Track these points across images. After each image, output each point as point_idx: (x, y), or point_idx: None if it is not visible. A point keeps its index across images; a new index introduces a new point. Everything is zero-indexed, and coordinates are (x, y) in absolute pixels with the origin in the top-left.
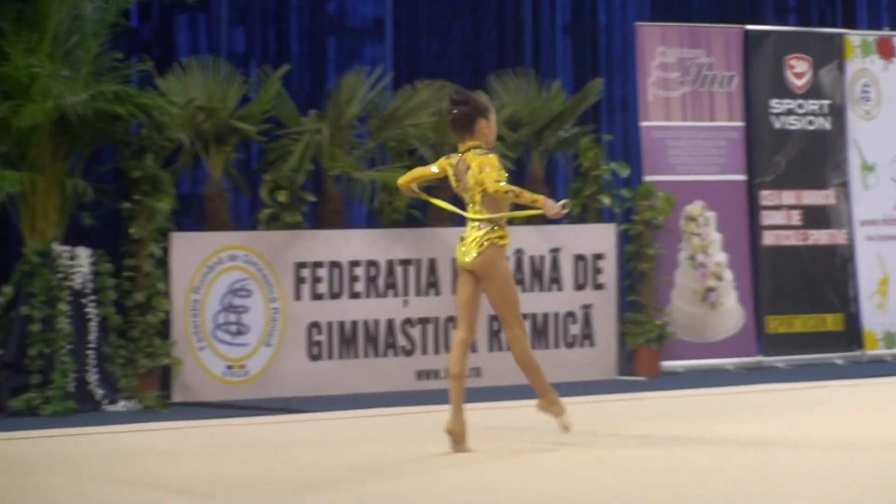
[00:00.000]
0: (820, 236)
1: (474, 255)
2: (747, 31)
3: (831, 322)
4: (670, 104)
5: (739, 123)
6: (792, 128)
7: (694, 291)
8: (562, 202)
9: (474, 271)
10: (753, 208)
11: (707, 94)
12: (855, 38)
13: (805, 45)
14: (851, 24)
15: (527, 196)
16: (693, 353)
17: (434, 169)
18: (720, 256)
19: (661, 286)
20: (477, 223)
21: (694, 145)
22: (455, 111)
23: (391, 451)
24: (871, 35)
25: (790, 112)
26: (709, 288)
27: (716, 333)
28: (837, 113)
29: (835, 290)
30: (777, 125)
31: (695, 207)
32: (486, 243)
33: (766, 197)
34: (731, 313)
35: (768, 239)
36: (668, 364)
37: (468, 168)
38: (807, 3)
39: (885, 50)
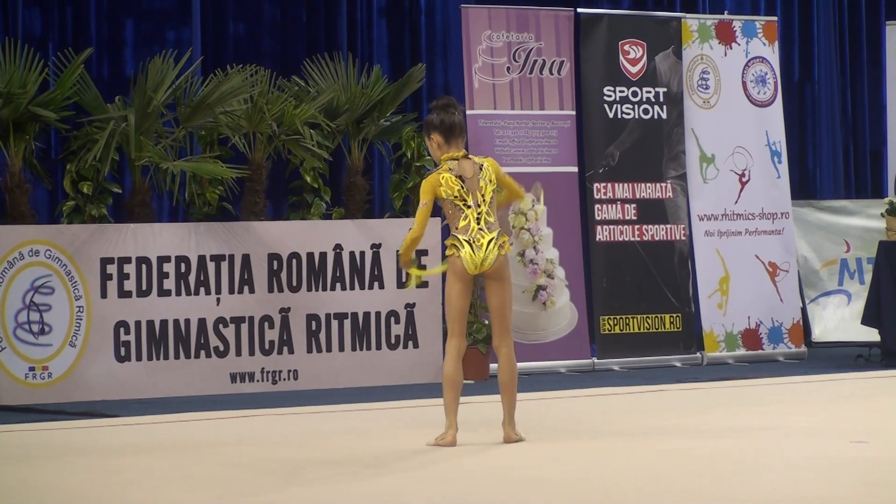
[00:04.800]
0: (656, 231)
1: (496, 255)
2: (579, 14)
3: (669, 322)
4: (497, 91)
5: (570, 112)
6: (626, 117)
7: (524, 290)
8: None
9: (489, 273)
10: (586, 202)
11: (536, 81)
12: (693, 22)
13: (640, 29)
14: (691, 7)
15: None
16: (523, 355)
17: (426, 206)
18: (551, 253)
19: None
20: (486, 226)
21: (522, 135)
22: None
23: (203, 458)
24: (710, 19)
25: (624, 100)
26: (539, 286)
27: (547, 334)
28: (674, 101)
29: (673, 289)
30: (610, 114)
31: (524, 201)
32: (504, 244)
33: (600, 190)
34: (562, 313)
35: (602, 234)
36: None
37: (480, 168)
38: None
39: (724, 35)
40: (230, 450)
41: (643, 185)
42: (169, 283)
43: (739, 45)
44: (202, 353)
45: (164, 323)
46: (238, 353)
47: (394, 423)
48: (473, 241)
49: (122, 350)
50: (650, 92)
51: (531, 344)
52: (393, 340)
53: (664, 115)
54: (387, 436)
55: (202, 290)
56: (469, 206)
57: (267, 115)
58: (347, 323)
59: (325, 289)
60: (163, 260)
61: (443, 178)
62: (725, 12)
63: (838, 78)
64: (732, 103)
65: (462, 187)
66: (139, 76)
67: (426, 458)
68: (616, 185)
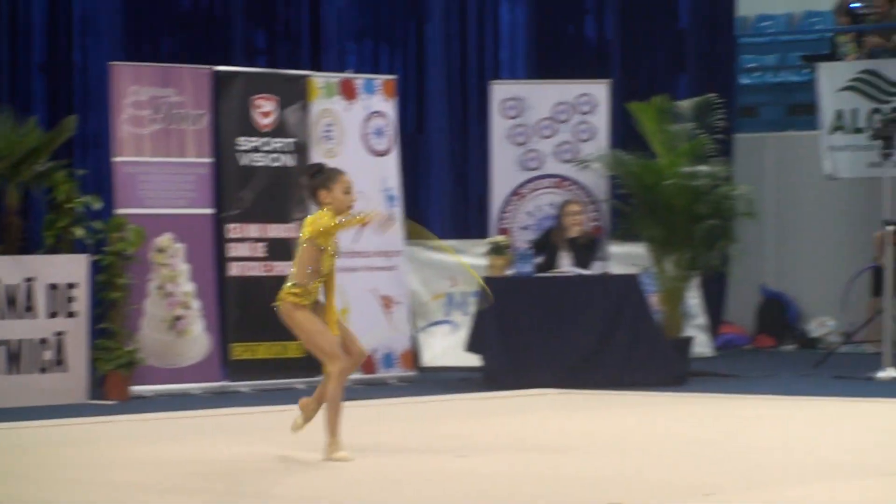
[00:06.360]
0: (283, 267)
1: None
2: (216, 72)
3: (293, 349)
4: (142, 140)
5: (208, 160)
6: (257, 164)
7: (162, 319)
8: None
9: None
10: (220, 240)
11: (177, 132)
12: (320, 79)
13: (272, 85)
14: (318, 66)
15: (353, 220)
16: (162, 378)
17: None
18: (188, 286)
19: (131, 314)
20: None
21: (164, 180)
22: (304, 184)
23: None
24: (335, 77)
25: (256, 149)
26: (177, 316)
27: (183, 359)
28: (302, 150)
29: None
30: (243, 161)
31: (164, 239)
32: (282, 295)
33: (233, 230)
34: (198, 340)
35: (234, 270)
36: (137, 388)
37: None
38: (276, 45)
39: (347, 91)
40: None
41: (272, 225)
42: None
43: (361, 100)
44: None
45: None
46: None
47: (45, 440)
48: None
49: None
50: (279, 142)
51: (168, 368)
52: (43, 365)
53: (292, 163)
54: (44, 451)
55: None
56: None
57: None
58: (2, 350)
59: None
60: None
61: None
62: (350, 70)
63: (449, 130)
64: (354, 153)
65: None
66: None
67: (82, 468)
68: (248, 225)
